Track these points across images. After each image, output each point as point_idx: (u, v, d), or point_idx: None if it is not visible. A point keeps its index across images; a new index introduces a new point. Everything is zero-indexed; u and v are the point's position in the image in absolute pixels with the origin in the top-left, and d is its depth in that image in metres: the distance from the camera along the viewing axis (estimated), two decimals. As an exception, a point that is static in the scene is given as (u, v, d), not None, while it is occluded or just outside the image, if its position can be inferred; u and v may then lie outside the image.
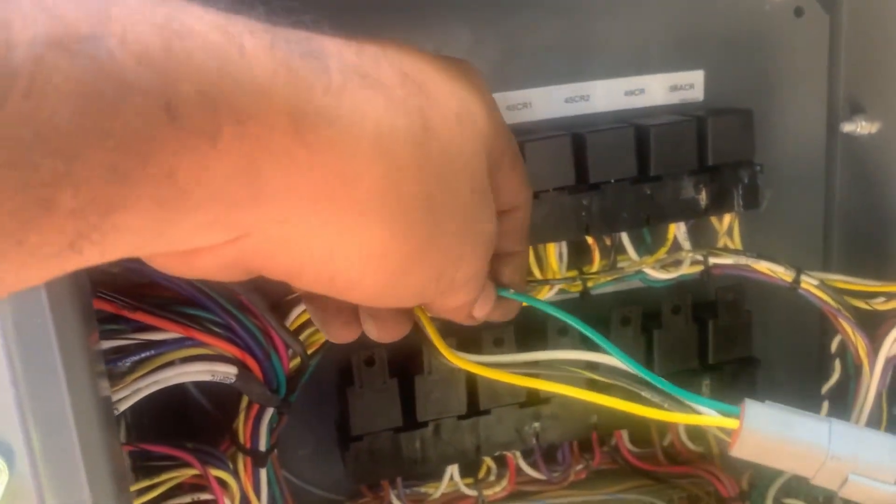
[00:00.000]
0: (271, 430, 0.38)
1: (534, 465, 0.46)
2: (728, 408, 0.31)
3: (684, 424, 0.36)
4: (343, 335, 0.30)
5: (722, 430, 0.32)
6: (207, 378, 0.31)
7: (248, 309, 0.31)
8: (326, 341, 0.40)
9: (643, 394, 0.32)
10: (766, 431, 0.31)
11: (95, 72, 0.15)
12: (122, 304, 0.28)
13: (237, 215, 0.19)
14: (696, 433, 0.48)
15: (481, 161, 0.25)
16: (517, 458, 0.46)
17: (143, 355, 0.29)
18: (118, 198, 0.16)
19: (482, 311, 0.29)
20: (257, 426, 0.37)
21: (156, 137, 0.16)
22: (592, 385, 0.33)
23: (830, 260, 0.51)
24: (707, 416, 0.31)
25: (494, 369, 0.32)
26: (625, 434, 0.48)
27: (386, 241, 0.22)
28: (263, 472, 0.39)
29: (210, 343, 0.30)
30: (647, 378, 0.32)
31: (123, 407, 0.29)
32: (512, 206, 0.30)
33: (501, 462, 0.46)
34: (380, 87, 0.21)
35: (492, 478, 0.46)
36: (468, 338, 0.38)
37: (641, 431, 0.49)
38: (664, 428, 0.48)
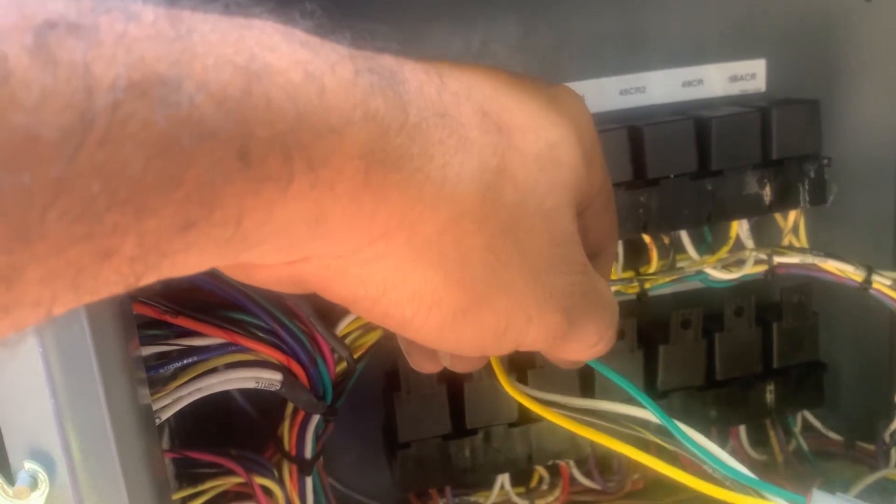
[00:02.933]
0: (317, 438, 0.37)
1: (587, 475, 0.44)
2: (794, 497, 0.29)
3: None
4: (425, 366, 0.29)
5: None
6: (252, 385, 0.29)
7: (294, 313, 0.30)
8: (373, 344, 0.38)
9: (705, 467, 0.30)
10: None
11: (174, 118, 0.14)
12: (164, 308, 0.27)
13: (298, 247, 0.19)
14: (760, 440, 0.46)
15: (565, 211, 0.23)
16: (570, 467, 0.44)
17: (185, 361, 0.28)
18: (182, 244, 0.15)
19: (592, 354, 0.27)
20: (303, 433, 0.35)
21: (228, 185, 0.15)
22: (650, 447, 0.31)
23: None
24: (771, 502, 0.29)
25: (548, 408, 0.31)
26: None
27: (439, 290, 0.21)
28: (309, 481, 0.37)
29: (255, 349, 0.29)
30: (710, 461, 0.29)
31: (166, 415, 0.28)
32: (596, 250, 0.28)
33: (554, 471, 0.44)
34: (456, 128, 0.20)
35: (544, 487, 0.44)
36: (524, 357, 0.36)
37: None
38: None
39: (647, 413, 0.31)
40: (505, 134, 0.22)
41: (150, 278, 0.16)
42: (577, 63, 0.42)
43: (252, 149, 0.15)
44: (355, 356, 0.38)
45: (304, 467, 0.37)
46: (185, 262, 0.16)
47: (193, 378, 0.28)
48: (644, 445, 0.31)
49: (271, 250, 0.18)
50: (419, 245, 0.20)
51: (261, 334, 0.29)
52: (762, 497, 0.29)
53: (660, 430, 0.32)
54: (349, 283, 0.21)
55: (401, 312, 0.21)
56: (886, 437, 0.45)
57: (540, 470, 0.44)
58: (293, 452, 0.37)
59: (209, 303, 0.29)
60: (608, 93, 0.42)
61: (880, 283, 0.41)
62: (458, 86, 0.21)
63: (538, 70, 0.41)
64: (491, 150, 0.21)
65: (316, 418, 0.35)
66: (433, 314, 0.21)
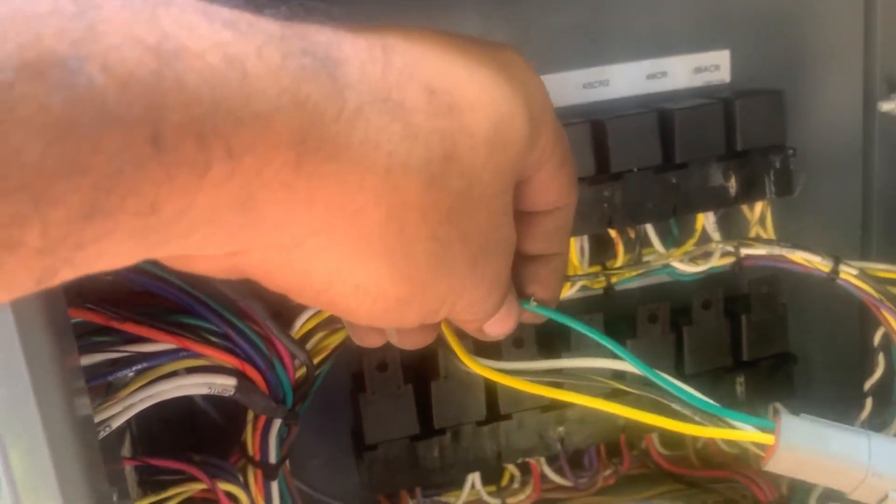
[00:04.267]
0: (281, 441, 0.36)
1: (559, 472, 0.44)
2: (762, 422, 0.29)
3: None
4: (370, 340, 0.29)
5: (756, 444, 0.30)
6: (205, 391, 0.29)
7: (249, 316, 0.30)
8: (338, 346, 0.38)
9: (673, 405, 0.30)
10: (802, 447, 0.29)
11: (72, 101, 0.13)
12: (111, 314, 0.27)
13: (233, 237, 0.18)
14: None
15: (507, 194, 0.23)
16: (541, 465, 0.44)
17: (134, 368, 0.27)
18: (92, 234, 0.15)
19: (499, 330, 0.27)
20: (266, 438, 0.35)
21: (139, 171, 0.15)
22: (619, 396, 0.31)
23: (870, 247, 0.48)
24: (741, 430, 0.29)
25: (516, 377, 0.31)
26: (655, 437, 0.46)
27: (383, 281, 0.21)
28: (275, 485, 0.37)
29: (207, 353, 0.28)
30: (675, 392, 0.30)
31: (117, 423, 0.27)
32: (554, 206, 0.28)
33: (525, 469, 0.44)
34: (400, 113, 0.19)
35: (515, 485, 0.44)
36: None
37: (673, 434, 0.46)
38: (697, 429, 0.46)
39: (613, 363, 0.31)
40: (455, 115, 0.21)
41: (66, 274, 0.15)
42: (539, 57, 0.40)
43: (164, 134, 0.15)
44: (319, 358, 0.38)
45: (268, 472, 0.36)
46: (103, 255, 0.15)
47: (144, 385, 0.28)
48: (610, 396, 0.32)
49: (205, 240, 0.17)
50: (363, 237, 0.20)
51: (213, 339, 0.29)
52: (731, 426, 0.29)
53: (623, 378, 0.32)
54: (293, 275, 0.20)
55: (345, 303, 0.21)
56: (857, 427, 0.45)
57: (511, 468, 0.44)
58: (257, 457, 0.36)
59: (159, 307, 0.28)
60: (571, 87, 0.41)
61: (847, 273, 0.41)
62: (405, 61, 0.20)
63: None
64: (439, 136, 0.20)
65: (278, 422, 0.34)
66: (377, 304, 0.21)
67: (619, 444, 0.45)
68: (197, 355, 0.28)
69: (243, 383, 0.30)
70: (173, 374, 0.29)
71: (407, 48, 0.21)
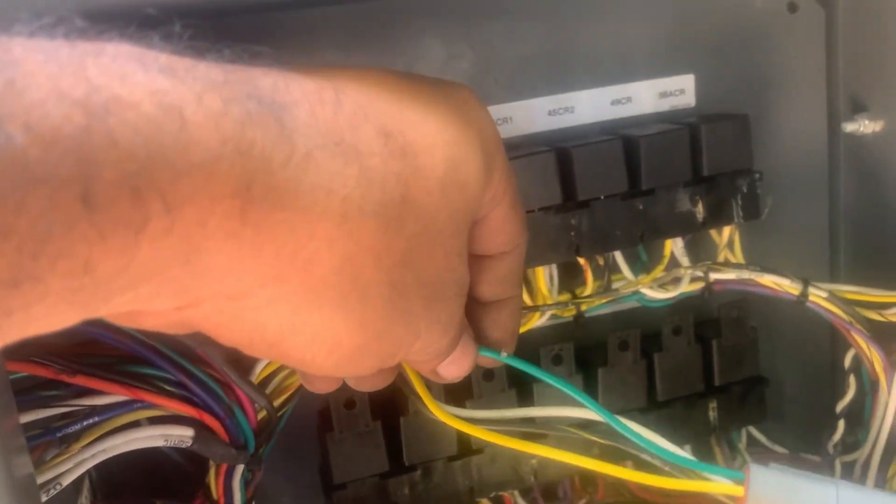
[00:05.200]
0: (246, 484, 0.35)
1: (533, 503, 0.43)
2: (733, 474, 0.29)
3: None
4: (323, 387, 0.29)
5: (729, 497, 0.30)
6: (161, 443, 0.28)
7: (206, 362, 0.29)
8: (301, 384, 0.37)
9: (643, 456, 0.30)
10: (771, 499, 0.29)
11: None
12: (60, 367, 0.25)
13: (178, 291, 0.17)
14: (705, 458, 0.45)
15: (461, 236, 0.23)
16: (515, 497, 0.43)
17: (86, 423, 0.26)
18: (21, 300, 0.14)
19: (454, 372, 0.26)
20: (230, 482, 0.34)
21: (69, 232, 0.14)
22: (589, 447, 0.31)
23: (838, 269, 0.48)
24: (711, 482, 0.29)
25: (481, 427, 0.30)
26: (630, 464, 0.45)
27: (339, 332, 0.20)
28: (240, 531, 0.36)
29: (162, 404, 0.27)
30: (645, 445, 0.29)
31: (68, 480, 0.26)
32: (505, 250, 0.27)
33: (499, 502, 0.43)
34: (355, 156, 0.19)
35: (489, 519, 0.43)
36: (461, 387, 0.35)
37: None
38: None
39: (582, 412, 0.30)
40: (410, 157, 0.20)
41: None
42: (503, 84, 0.41)
43: (96, 191, 0.14)
44: (283, 397, 0.37)
45: (233, 516, 0.35)
46: (35, 321, 0.15)
47: (96, 439, 0.26)
48: (583, 447, 0.31)
49: (148, 296, 0.17)
50: (315, 286, 0.19)
51: (169, 388, 0.28)
52: (704, 478, 0.29)
53: (598, 429, 0.31)
54: (245, 327, 0.19)
55: (300, 355, 0.21)
56: (830, 449, 0.45)
57: (485, 503, 0.43)
58: (221, 501, 0.35)
59: (111, 357, 0.27)
60: (536, 114, 0.41)
61: (817, 295, 0.41)
62: (357, 103, 0.20)
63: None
64: (395, 178, 0.20)
65: (241, 466, 0.33)
66: (333, 354, 0.21)
67: (593, 473, 0.44)
68: (152, 406, 0.27)
69: (201, 433, 0.29)
70: (129, 425, 0.27)
71: (359, 90, 0.20)
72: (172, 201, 0.15)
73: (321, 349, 0.20)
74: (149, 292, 0.16)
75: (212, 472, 0.35)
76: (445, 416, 0.31)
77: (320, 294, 0.19)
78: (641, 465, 0.30)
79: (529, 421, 0.34)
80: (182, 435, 0.28)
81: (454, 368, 0.26)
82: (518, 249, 0.28)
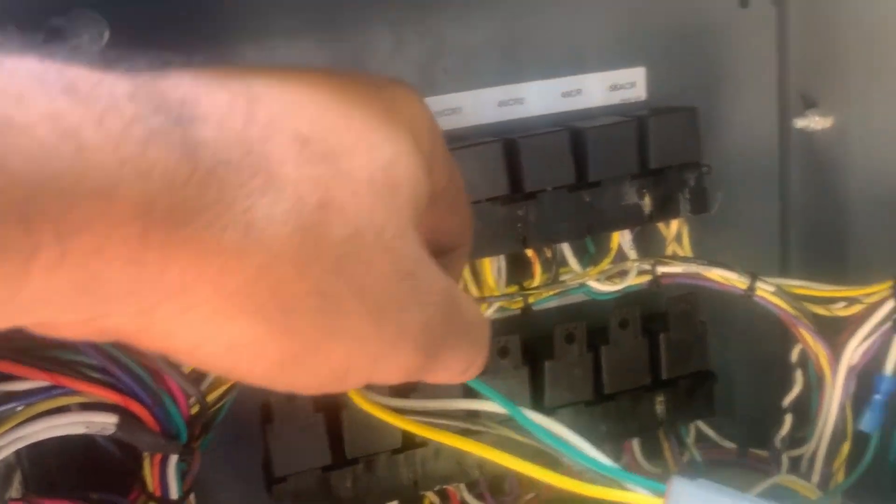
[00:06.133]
0: (183, 476, 0.35)
1: (480, 497, 0.43)
2: (654, 485, 0.29)
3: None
4: None
5: None
6: (82, 430, 0.27)
7: (135, 349, 0.28)
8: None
9: (563, 460, 0.29)
10: None
11: None
12: (-26, 352, 0.25)
13: (80, 310, 0.17)
14: (654, 452, 0.45)
15: (410, 237, 0.21)
16: (461, 491, 0.42)
17: (4, 408, 0.25)
18: None
19: (468, 376, 0.25)
20: (164, 473, 0.33)
21: None
22: (510, 445, 0.30)
23: (789, 264, 0.48)
24: (630, 493, 0.28)
25: (398, 416, 0.30)
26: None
27: (261, 340, 0.19)
28: (178, 524, 0.35)
29: (85, 390, 0.27)
30: (559, 447, 0.29)
31: (-17, 469, 0.25)
32: (447, 248, 0.27)
33: (445, 496, 0.43)
34: (264, 165, 0.18)
35: (435, 513, 0.43)
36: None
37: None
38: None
39: (499, 407, 0.30)
40: (331, 162, 0.19)
41: None
42: (453, 74, 0.41)
43: None
44: (221, 389, 0.36)
45: (169, 509, 0.34)
46: None
47: (14, 427, 0.26)
48: (510, 445, 0.31)
49: (53, 314, 0.16)
50: (229, 296, 0.18)
51: (93, 374, 0.27)
52: (623, 487, 0.29)
53: (509, 422, 0.31)
54: (157, 337, 0.19)
55: (220, 363, 0.20)
56: (777, 443, 0.45)
57: (430, 496, 0.42)
58: (157, 493, 0.34)
59: (32, 342, 0.26)
60: (486, 104, 0.41)
61: (764, 290, 0.41)
62: (273, 111, 0.19)
63: (413, 82, 0.40)
64: (311, 184, 0.19)
65: (175, 456, 0.33)
66: (258, 364, 0.20)
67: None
68: (73, 392, 0.27)
69: (126, 420, 0.28)
70: (50, 412, 0.27)
71: (277, 97, 0.20)
72: (65, 230, 0.15)
73: (242, 358, 0.19)
74: (48, 315, 0.16)
75: (146, 462, 0.34)
76: (366, 403, 0.30)
77: (234, 304, 0.18)
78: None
79: (474, 415, 0.33)
80: (105, 422, 0.27)
81: (469, 374, 0.25)
82: (462, 249, 0.28)
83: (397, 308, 0.21)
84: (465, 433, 0.32)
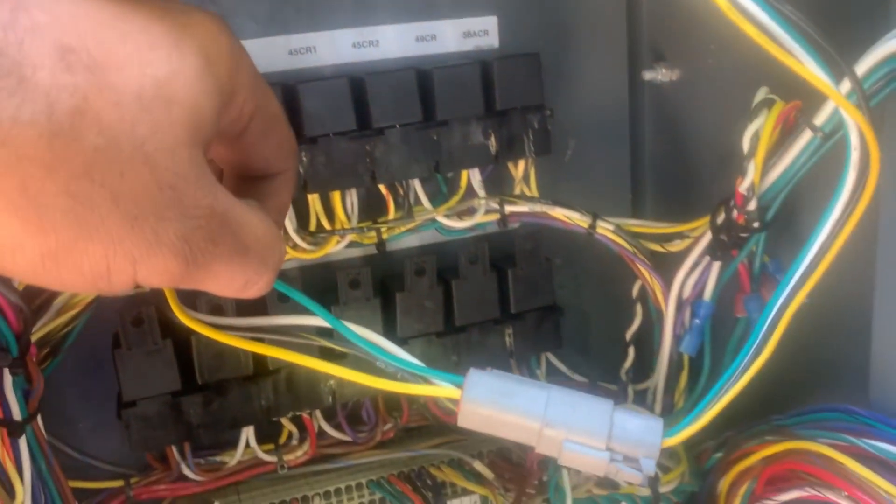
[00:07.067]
0: (26, 396, 0.35)
1: (338, 427, 0.45)
2: (456, 378, 0.31)
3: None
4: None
5: (451, 401, 0.31)
6: None
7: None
8: (91, 302, 0.37)
9: (377, 363, 0.31)
10: (485, 402, 0.31)
11: None
12: None
13: None
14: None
15: (177, 152, 0.22)
16: (319, 420, 0.44)
17: None
18: None
19: (253, 292, 0.26)
20: (1, 392, 0.34)
21: None
22: (325, 353, 0.32)
23: (643, 208, 0.51)
24: (434, 387, 0.31)
25: (220, 331, 0.31)
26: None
27: (17, 235, 0.20)
28: (24, 443, 0.36)
29: None
30: (371, 350, 0.31)
31: None
32: (266, 173, 0.28)
33: (302, 425, 0.44)
34: (15, 70, 0.19)
35: (294, 442, 0.44)
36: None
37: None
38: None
39: (311, 319, 0.32)
40: (95, 73, 0.20)
41: None
42: (307, 13, 0.42)
43: None
44: (70, 313, 0.37)
45: (13, 429, 0.35)
46: None
47: None
48: (321, 353, 0.33)
49: None
50: None
51: None
52: (430, 383, 0.31)
53: (323, 332, 0.33)
54: None
55: None
56: (623, 376, 0.48)
57: (288, 425, 0.44)
58: None
59: None
60: (341, 45, 0.42)
61: (604, 228, 0.44)
62: (39, 20, 0.20)
63: (266, 20, 0.41)
64: (68, 90, 0.20)
65: (10, 372, 0.33)
66: (18, 258, 0.21)
67: (398, 397, 0.46)
68: None
69: (-59, 327, 0.29)
70: None
71: (49, 8, 0.20)
72: None
73: (3, 252, 0.21)
74: None
75: (-18, 379, 0.34)
76: (186, 318, 0.31)
77: None
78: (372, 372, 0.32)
79: (268, 329, 0.34)
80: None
81: (254, 290, 0.26)
82: (285, 175, 0.29)
83: (155, 216, 0.22)
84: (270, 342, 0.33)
